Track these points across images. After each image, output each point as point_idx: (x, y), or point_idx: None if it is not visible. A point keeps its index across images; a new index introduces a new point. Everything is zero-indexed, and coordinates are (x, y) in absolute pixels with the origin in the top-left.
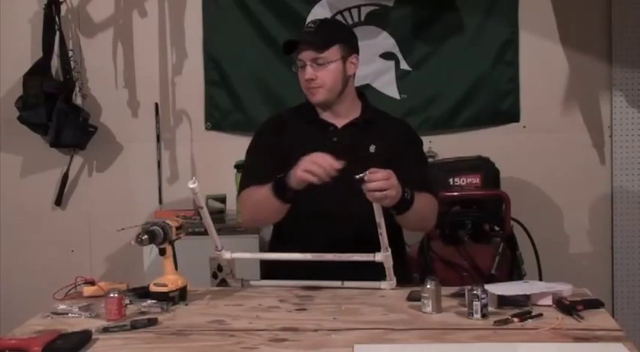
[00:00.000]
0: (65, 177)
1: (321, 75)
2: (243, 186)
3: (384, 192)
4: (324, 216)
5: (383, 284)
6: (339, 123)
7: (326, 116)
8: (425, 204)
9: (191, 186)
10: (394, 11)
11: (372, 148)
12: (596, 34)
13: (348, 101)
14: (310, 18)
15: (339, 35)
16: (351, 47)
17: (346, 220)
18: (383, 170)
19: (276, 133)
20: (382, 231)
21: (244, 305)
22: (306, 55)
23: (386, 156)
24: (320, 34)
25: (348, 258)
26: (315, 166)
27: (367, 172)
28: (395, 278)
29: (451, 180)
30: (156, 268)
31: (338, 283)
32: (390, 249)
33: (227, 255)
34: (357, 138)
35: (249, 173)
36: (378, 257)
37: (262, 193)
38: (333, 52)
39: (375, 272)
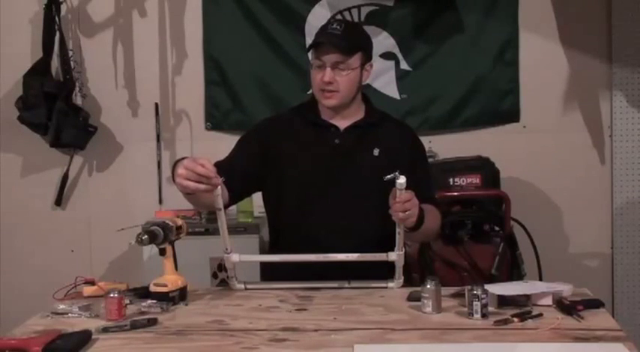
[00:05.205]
0: (65, 177)
1: (339, 80)
2: None
3: (407, 213)
4: (323, 220)
5: (390, 283)
6: (342, 124)
7: (328, 117)
8: (432, 221)
9: None
10: (394, 11)
11: (376, 152)
12: (596, 34)
13: (354, 104)
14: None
15: (362, 42)
16: (369, 55)
17: (345, 224)
18: (406, 192)
19: (265, 138)
20: (400, 230)
21: (244, 305)
22: (330, 57)
23: (390, 161)
24: (347, 38)
25: (360, 258)
26: (195, 176)
27: (397, 173)
28: (403, 277)
29: (451, 180)
30: (156, 268)
31: (344, 283)
32: (404, 249)
33: (235, 257)
34: (360, 140)
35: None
36: (392, 256)
37: None
38: (355, 59)
39: (378, 272)
